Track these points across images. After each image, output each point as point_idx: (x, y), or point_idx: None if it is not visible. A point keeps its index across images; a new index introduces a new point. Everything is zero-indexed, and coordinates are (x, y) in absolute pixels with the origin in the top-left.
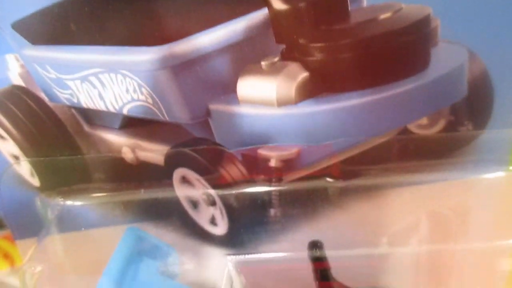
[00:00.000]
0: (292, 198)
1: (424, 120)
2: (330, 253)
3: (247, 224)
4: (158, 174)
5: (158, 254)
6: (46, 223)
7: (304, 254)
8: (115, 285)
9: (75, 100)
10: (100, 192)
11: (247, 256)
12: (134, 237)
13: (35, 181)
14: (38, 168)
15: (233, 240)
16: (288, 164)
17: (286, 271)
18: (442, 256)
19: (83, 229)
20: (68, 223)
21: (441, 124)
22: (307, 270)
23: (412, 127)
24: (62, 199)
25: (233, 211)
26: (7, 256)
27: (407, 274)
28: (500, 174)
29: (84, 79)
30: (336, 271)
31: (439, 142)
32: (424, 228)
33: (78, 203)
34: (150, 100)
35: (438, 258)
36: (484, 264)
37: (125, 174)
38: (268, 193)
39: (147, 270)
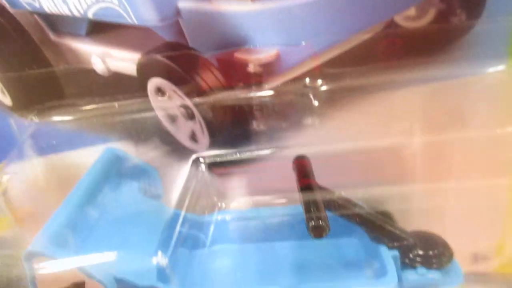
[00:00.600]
0: (275, 109)
1: (411, 11)
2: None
3: (228, 140)
4: (133, 86)
5: (139, 174)
6: (20, 143)
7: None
8: (85, 199)
9: (36, 5)
10: (74, 110)
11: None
12: (112, 157)
13: (7, 100)
14: (7, 85)
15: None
16: (268, 68)
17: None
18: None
19: (58, 150)
20: (42, 143)
21: (430, 14)
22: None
23: (399, 19)
24: (35, 117)
25: (213, 125)
26: None
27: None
28: (498, 69)
29: None
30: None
31: (429, 36)
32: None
33: (52, 122)
34: (115, 1)
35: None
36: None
37: (98, 87)
38: (250, 103)
39: (128, 191)
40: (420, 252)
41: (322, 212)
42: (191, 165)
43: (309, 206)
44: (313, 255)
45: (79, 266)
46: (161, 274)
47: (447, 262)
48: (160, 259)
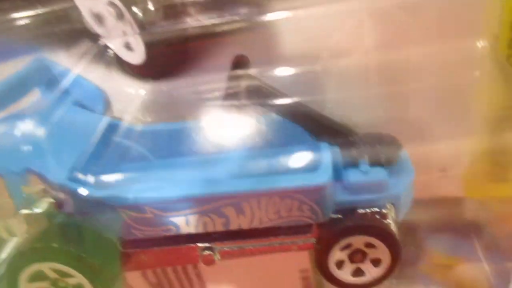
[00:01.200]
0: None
1: None
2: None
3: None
4: None
5: (73, 87)
6: None
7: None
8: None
9: None
10: None
11: None
12: (40, 66)
13: None
14: None
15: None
16: None
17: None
18: (394, 63)
19: None
20: None
21: None
22: None
23: None
24: None
25: (147, 27)
26: None
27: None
28: None
29: None
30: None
31: None
32: (369, 33)
33: None
34: None
35: (389, 66)
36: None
37: None
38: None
39: (61, 103)
40: (363, 148)
41: None
42: None
43: None
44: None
45: None
46: None
47: (393, 158)
48: None
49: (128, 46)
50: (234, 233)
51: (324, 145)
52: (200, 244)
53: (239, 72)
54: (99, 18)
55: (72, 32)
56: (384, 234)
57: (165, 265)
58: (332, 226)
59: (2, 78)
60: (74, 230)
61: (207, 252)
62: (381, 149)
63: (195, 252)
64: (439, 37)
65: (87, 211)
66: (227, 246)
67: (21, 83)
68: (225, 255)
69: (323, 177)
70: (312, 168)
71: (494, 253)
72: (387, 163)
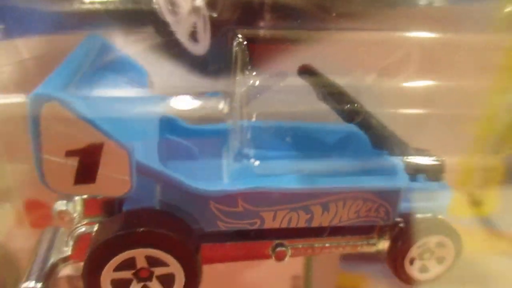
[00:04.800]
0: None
1: None
2: None
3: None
4: None
5: (124, 70)
6: None
7: None
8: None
9: None
10: None
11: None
12: (96, 45)
13: None
14: None
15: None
16: None
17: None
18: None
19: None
20: (16, 27)
21: None
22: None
23: None
24: None
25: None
26: None
27: None
28: None
29: None
30: None
31: None
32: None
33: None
34: None
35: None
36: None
37: None
38: None
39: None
40: (420, 162)
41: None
42: None
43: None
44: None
45: (93, 121)
46: None
47: (441, 174)
48: None
49: (194, 37)
50: (302, 231)
51: (387, 154)
52: (275, 241)
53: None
54: (173, 5)
55: (136, 14)
56: (453, 235)
57: (235, 260)
58: (409, 228)
59: (54, 50)
60: (163, 216)
61: (280, 249)
62: (433, 164)
63: (267, 248)
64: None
65: (176, 199)
66: (300, 244)
67: (84, 62)
68: (295, 252)
69: (402, 181)
70: (392, 172)
71: None
72: (436, 178)
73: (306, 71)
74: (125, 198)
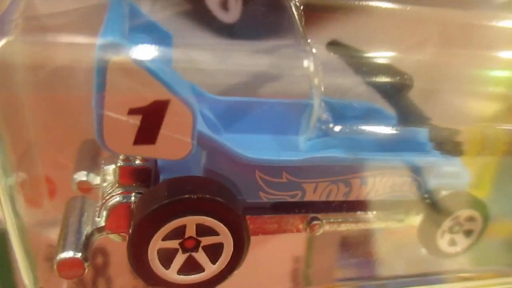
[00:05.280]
0: None
1: None
2: None
3: (263, 12)
4: None
5: (150, 32)
6: None
7: None
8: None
9: None
10: None
11: None
12: (125, 8)
13: None
14: None
15: (243, 31)
16: None
17: None
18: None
19: None
20: None
21: None
22: None
23: None
24: None
25: None
26: None
27: None
28: None
29: None
30: None
31: None
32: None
33: None
34: None
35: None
36: None
37: None
38: None
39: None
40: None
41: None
42: None
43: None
44: None
45: (162, 77)
46: None
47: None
48: None
49: (224, 6)
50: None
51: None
52: (311, 214)
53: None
54: None
55: None
56: (482, 209)
57: (269, 233)
58: (441, 202)
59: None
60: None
61: (316, 222)
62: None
63: (302, 222)
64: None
65: (222, 168)
66: (332, 218)
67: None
68: (329, 226)
69: (434, 157)
70: (422, 148)
71: None
72: (458, 154)
73: (336, 45)
74: (161, 167)
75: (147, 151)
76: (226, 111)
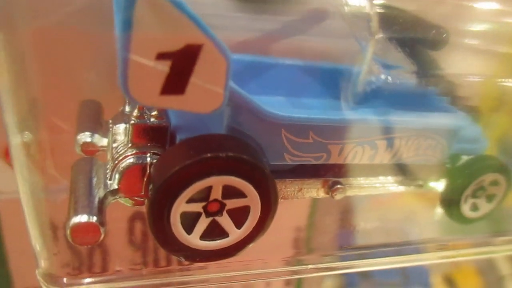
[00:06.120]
0: None
1: None
2: None
3: None
4: None
5: None
6: None
7: None
8: None
9: None
10: None
11: None
12: None
13: None
14: None
15: None
16: None
17: None
18: None
19: None
20: None
21: None
22: None
23: None
24: None
25: None
26: None
27: None
28: None
29: None
30: None
31: None
32: None
33: None
34: None
35: None
36: None
37: None
38: None
39: None
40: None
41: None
42: None
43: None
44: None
45: (196, 17)
46: None
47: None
48: None
49: None
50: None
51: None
52: (332, 178)
53: None
54: None
55: None
56: (506, 172)
57: (290, 197)
58: (466, 166)
59: None
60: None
61: (338, 186)
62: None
63: (324, 186)
64: None
65: (247, 126)
66: (355, 182)
67: None
68: (351, 191)
69: (460, 121)
70: (445, 110)
71: None
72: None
73: None
74: (177, 126)
75: (175, 102)
76: (247, 71)
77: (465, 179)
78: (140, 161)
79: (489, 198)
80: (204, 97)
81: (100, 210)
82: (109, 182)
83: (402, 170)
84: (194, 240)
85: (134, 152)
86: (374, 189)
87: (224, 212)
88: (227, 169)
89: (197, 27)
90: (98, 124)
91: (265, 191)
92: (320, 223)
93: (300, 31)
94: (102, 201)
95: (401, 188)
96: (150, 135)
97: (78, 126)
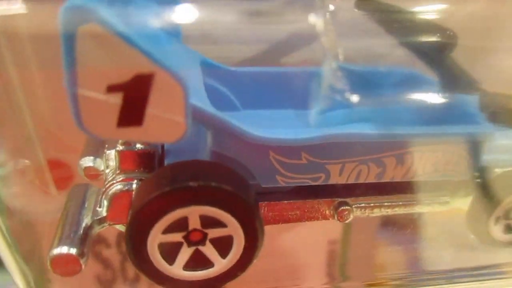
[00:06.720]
0: None
1: None
2: None
3: None
4: None
5: None
6: None
7: None
8: None
9: None
10: None
11: None
12: None
13: None
14: None
15: None
16: None
17: None
18: None
19: None
20: None
21: None
22: None
23: None
24: None
25: None
26: None
27: None
28: None
29: None
30: None
31: None
32: None
33: None
34: None
35: None
36: None
37: None
38: None
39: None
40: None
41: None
42: None
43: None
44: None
45: (143, 46)
46: None
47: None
48: None
49: None
50: (365, 188)
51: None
52: (338, 199)
53: None
54: None
55: None
56: None
57: (292, 221)
58: (494, 183)
59: None
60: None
61: (344, 207)
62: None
63: (329, 207)
64: None
65: (231, 150)
66: (364, 202)
67: None
68: (360, 212)
69: (487, 130)
70: (470, 120)
71: None
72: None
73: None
74: (166, 151)
75: (135, 134)
76: (242, 84)
77: (493, 197)
78: (126, 188)
79: None
80: (165, 127)
81: (83, 241)
82: (98, 209)
83: (421, 187)
84: (177, 270)
85: (121, 178)
86: (389, 209)
87: (207, 242)
88: (200, 199)
89: (145, 56)
90: (102, 148)
91: (246, 219)
92: (355, 235)
93: None
94: (87, 230)
95: (422, 207)
96: (137, 161)
97: (84, 150)
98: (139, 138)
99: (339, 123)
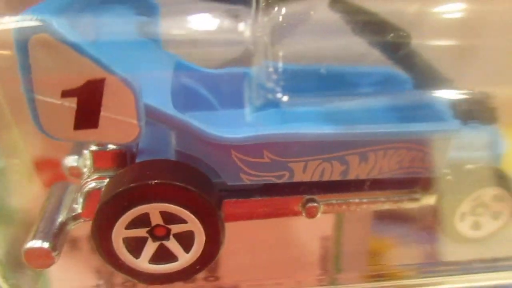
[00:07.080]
0: None
1: None
2: None
3: None
4: None
5: (134, 1)
6: None
7: None
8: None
9: None
10: None
11: None
12: None
13: None
14: None
15: None
16: None
17: None
18: None
19: None
20: None
21: None
22: None
23: None
24: None
25: None
26: None
27: None
28: None
29: None
30: None
31: None
32: None
33: None
34: None
35: None
36: None
37: None
38: None
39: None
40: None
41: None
42: None
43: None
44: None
45: (90, 53)
46: None
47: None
48: None
49: None
50: (334, 185)
51: (436, 98)
52: (306, 196)
53: None
54: None
55: None
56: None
57: (261, 217)
58: (459, 179)
59: None
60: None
61: (312, 204)
62: (486, 106)
63: (297, 204)
64: None
65: (194, 149)
66: (333, 199)
67: None
68: (328, 209)
69: (452, 127)
70: (439, 117)
71: None
72: (490, 122)
73: (338, 2)
74: (139, 150)
75: (92, 135)
76: (219, 84)
77: (457, 194)
78: (99, 186)
79: (495, 215)
80: (119, 129)
81: (57, 236)
82: (74, 206)
83: (389, 185)
84: (143, 264)
85: (95, 177)
86: (357, 206)
87: (171, 237)
88: (157, 197)
89: (94, 63)
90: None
91: (205, 216)
92: (348, 230)
93: None
94: (62, 226)
95: (391, 204)
96: (109, 160)
97: (71, 149)
98: (97, 139)
99: (276, 123)
